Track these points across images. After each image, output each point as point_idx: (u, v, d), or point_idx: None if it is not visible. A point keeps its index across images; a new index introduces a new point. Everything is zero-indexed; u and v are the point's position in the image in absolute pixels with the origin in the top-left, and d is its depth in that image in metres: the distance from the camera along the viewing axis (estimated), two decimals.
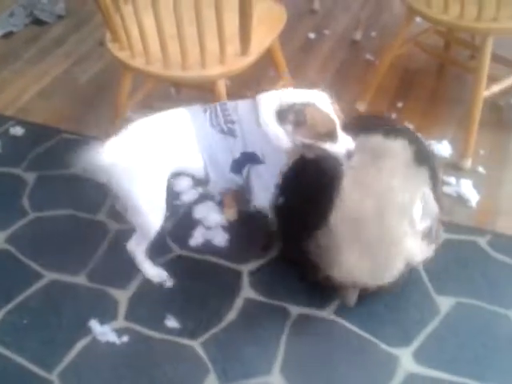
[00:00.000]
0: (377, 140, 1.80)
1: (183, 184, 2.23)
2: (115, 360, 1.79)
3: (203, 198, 2.23)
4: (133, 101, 2.29)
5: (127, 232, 1.96)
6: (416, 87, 2.77)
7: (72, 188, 2.31)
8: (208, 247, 2.08)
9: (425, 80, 2.82)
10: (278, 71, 2.33)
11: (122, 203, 1.92)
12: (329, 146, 1.72)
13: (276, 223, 1.94)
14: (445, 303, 1.89)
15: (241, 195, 1.98)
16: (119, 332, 1.85)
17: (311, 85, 1.84)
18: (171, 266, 2.00)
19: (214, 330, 1.85)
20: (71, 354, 1.80)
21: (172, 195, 2.10)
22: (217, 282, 1.98)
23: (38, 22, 3.34)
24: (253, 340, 1.82)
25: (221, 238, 2.10)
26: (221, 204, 2.18)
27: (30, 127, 2.63)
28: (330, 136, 1.71)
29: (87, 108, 2.73)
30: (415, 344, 1.79)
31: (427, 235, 1.77)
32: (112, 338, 1.83)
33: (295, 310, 1.89)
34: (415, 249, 1.76)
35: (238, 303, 1.92)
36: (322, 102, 1.73)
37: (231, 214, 2.16)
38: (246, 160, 1.81)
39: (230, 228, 2.13)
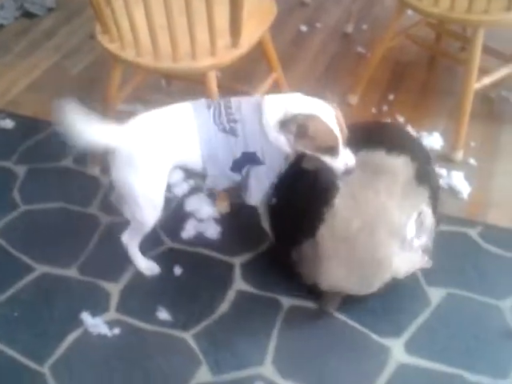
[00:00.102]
0: (379, 156, 1.78)
1: (175, 177, 2.22)
2: (107, 352, 1.78)
3: (195, 190, 2.23)
4: (123, 93, 2.27)
5: (119, 225, 1.96)
6: (407, 79, 2.78)
7: (63, 181, 2.31)
8: (200, 240, 2.08)
9: (416, 72, 2.83)
10: (269, 64, 2.32)
11: (116, 194, 1.91)
12: (329, 160, 1.71)
13: (267, 220, 1.94)
14: (436, 294, 1.90)
15: (233, 189, 1.98)
16: (111, 324, 1.84)
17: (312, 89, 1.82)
18: (163, 259, 2.00)
19: (206, 322, 1.85)
20: (63, 347, 1.80)
21: None
22: (209, 274, 1.98)
23: (28, 14, 3.32)
24: (245, 332, 1.82)
25: (213, 231, 2.10)
26: (212, 196, 2.18)
27: (21, 120, 2.62)
28: (331, 151, 1.69)
29: (78, 101, 2.71)
30: (406, 335, 1.80)
31: (422, 250, 1.79)
32: (104, 330, 1.83)
33: (287, 301, 1.89)
34: (404, 266, 1.77)
35: (230, 295, 1.92)
36: (327, 115, 1.69)
37: (223, 206, 2.16)
38: (247, 161, 1.80)
39: (222, 220, 2.13)
